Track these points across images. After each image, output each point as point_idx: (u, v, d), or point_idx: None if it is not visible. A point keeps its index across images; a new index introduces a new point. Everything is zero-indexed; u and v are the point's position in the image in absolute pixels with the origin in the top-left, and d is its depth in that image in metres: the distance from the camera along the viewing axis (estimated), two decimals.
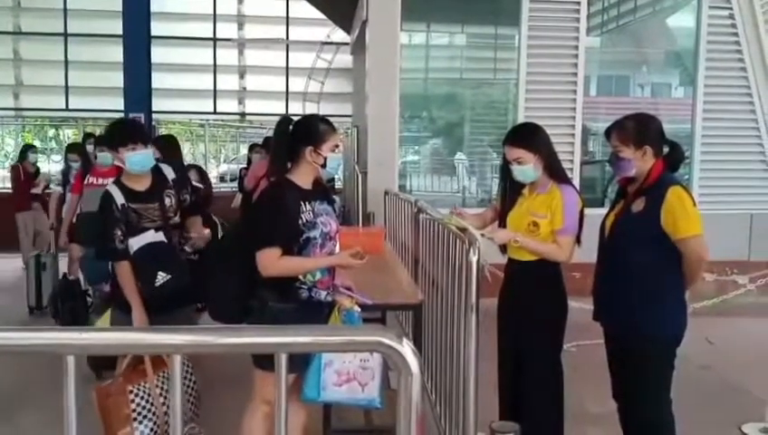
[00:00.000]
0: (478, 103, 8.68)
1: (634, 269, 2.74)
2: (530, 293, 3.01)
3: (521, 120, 6.73)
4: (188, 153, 17.53)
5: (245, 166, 8.60)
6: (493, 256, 3.15)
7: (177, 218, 3.25)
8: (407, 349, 1.22)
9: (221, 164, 17.01)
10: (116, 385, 2.92)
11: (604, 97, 9.19)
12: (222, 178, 15.58)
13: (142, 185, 3.15)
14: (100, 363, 4.25)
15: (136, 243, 3.06)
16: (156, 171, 3.20)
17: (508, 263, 3.12)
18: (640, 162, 2.77)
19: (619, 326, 2.85)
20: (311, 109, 13.72)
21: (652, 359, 2.75)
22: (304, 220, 2.66)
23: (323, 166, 2.71)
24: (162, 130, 13.73)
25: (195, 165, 4.64)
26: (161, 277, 3.06)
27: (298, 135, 2.72)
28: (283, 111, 13.14)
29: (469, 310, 2.65)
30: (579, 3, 7.13)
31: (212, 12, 13.33)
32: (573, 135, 7.24)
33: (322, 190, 2.83)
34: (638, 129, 2.78)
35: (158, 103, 10.60)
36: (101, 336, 1.25)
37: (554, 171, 3.00)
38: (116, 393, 2.89)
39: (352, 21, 9.13)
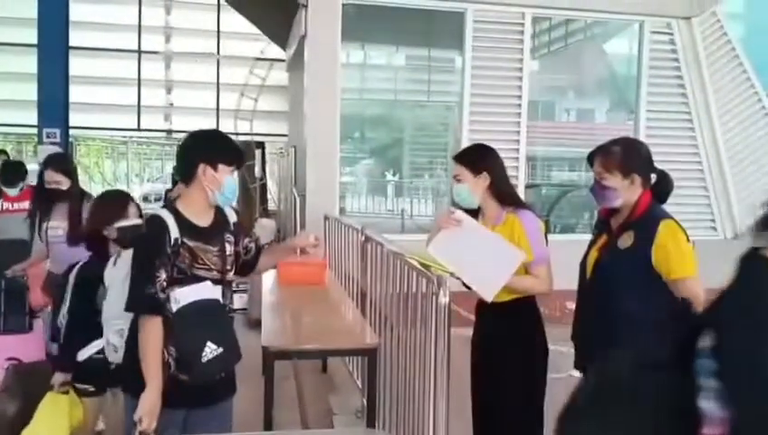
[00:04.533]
0: (419, 125, 8.44)
1: (622, 311, 2.43)
2: (504, 337, 2.66)
3: (465, 143, 6.51)
4: (109, 172, 16.69)
5: (170, 187, 7.99)
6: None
7: (232, 274, 2.48)
8: None
9: (144, 183, 16.28)
10: None
11: (544, 122, 9.14)
12: (146, 198, 14.80)
13: (204, 220, 2.38)
14: None
15: (186, 296, 2.25)
16: (217, 208, 2.46)
17: (478, 304, 2.76)
18: (627, 192, 2.48)
19: None
20: (243, 128, 13.18)
21: None
22: None
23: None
24: (81, 147, 12.91)
25: (86, 193, 3.67)
26: (210, 351, 2.26)
27: None
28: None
29: (440, 365, 2.27)
30: (523, 26, 7.00)
31: (137, 23, 12.74)
32: (518, 159, 7.05)
33: None
34: (626, 155, 2.50)
35: (76, 118, 9.97)
36: None
37: (504, 197, 2.70)
38: None
39: (288, 36, 8.72)
